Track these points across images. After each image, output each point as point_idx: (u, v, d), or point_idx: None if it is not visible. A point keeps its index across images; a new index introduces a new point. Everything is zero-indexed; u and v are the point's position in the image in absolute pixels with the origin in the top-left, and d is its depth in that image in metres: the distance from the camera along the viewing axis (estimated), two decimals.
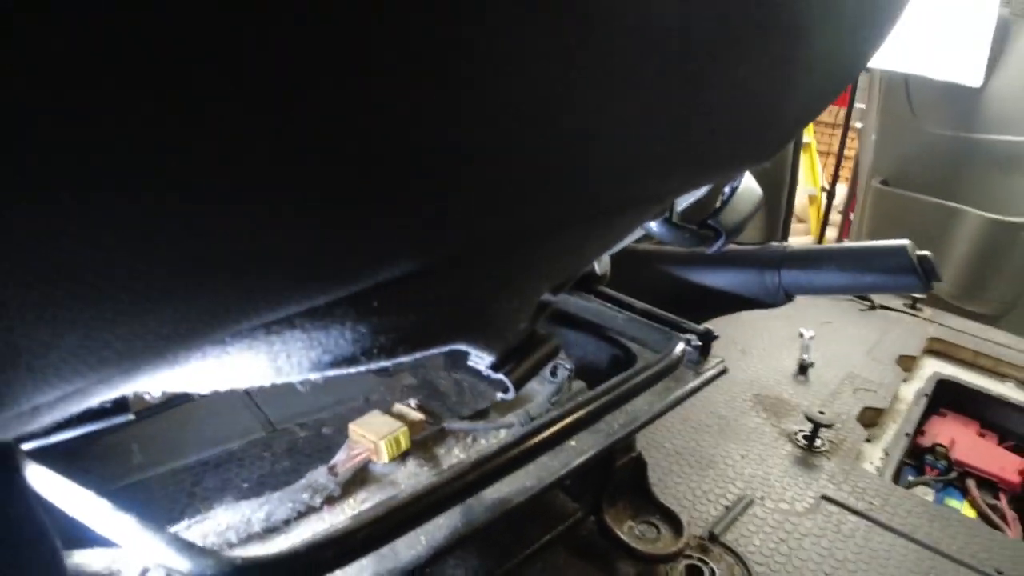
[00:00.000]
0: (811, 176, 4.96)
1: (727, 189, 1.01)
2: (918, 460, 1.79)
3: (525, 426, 0.90)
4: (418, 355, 0.54)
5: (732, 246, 1.90)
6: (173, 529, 0.78)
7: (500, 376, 0.65)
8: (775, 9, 0.56)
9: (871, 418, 1.79)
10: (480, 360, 0.64)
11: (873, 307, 2.39)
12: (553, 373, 1.10)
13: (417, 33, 0.32)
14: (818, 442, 1.64)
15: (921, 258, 1.13)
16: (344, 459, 0.89)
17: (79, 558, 0.72)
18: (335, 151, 0.35)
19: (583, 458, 0.90)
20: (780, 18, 0.58)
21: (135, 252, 0.32)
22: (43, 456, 1.11)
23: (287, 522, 0.81)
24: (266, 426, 1.69)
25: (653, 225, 0.91)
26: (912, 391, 1.94)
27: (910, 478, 1.73)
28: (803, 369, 1.98)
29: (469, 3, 0.33)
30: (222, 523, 0.79)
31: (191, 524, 0.79)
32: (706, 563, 1.26)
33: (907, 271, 1.12)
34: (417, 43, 0.32)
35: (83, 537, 0.72)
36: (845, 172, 4.91)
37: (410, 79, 0.35)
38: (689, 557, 1.27)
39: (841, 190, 4.39)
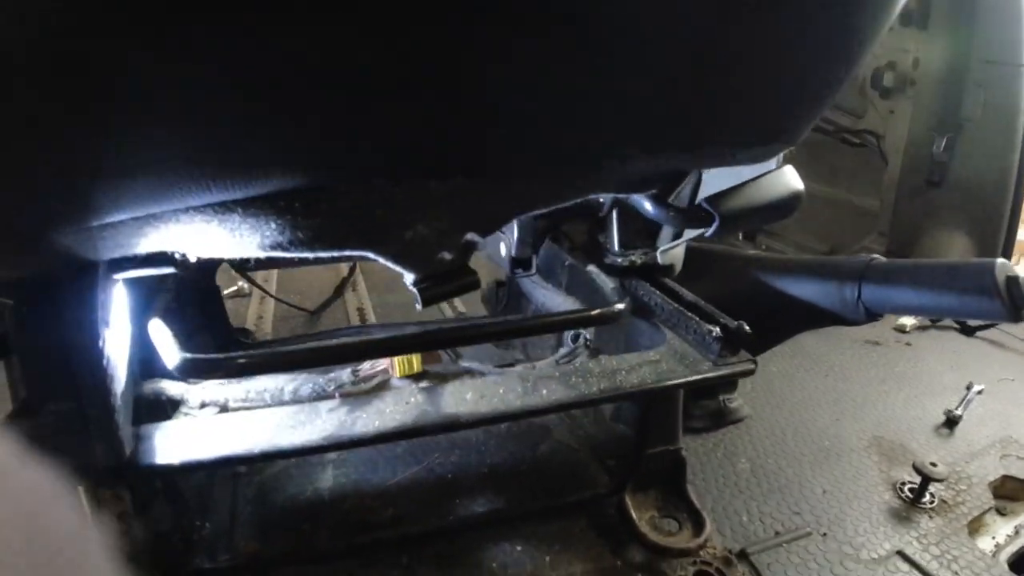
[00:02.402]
0: None
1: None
2: None
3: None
4: (335, 253, 0.71)
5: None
6: (227, 380, 1.05)
7: (413, 290, 0.79)
8: None
9: (1015, 491, 1.50)
10: (406, 276, 0.79)
11: None
12: (575, 339, 1.18)
13: None
14: (926, 498, 1.44)
15: (1010, 280, 0.95)
16: (367, 366, 1.09)
17: (162, 384, 1.03)
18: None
19: (539, 406, 0.99)
20: None
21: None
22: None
23: (309, 399, 1.04)
24: None
25: (643, 201, 0.94)
26: None
27: None
28: (950, 422, 1.72)
29: None
30: (261, 386, 1.04)
31: (242, 380, 1.05)
32: (722, 574, 1.22)
33: (989, 294, 0.95)
34: None
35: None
36: None
37: None
38: (706, 564, 1.24)
39: None
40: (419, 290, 0.79)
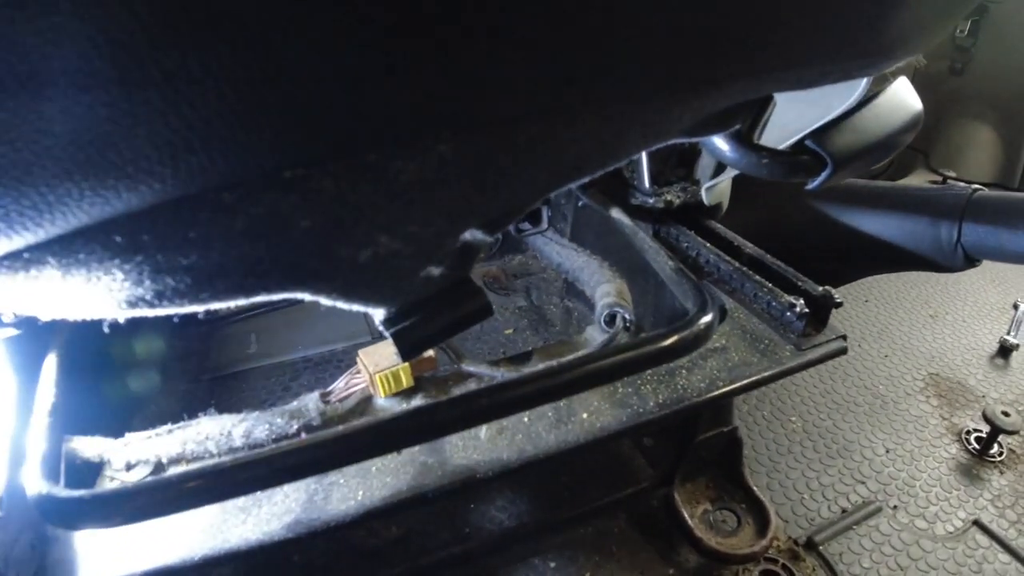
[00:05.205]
0: None
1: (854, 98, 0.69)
2: None
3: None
4: (242, 301, 0.40)
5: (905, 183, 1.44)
6: (157, 431, 0.76)
7: (387, 334, 0.49)
8: None
9: None
10: (374, 314, 0.48)
11: None
12: (610, 322, 0.91)
13: None
14: (994, 449, 1.28)
15: None
16: (341, 388, 0.82)
17: (76, 443, 0.74)
18: None
19: (580, 441, 0.73)
20: None
21: None
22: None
23: (266, 442, 0.76)
24: (374, 331, 1.70)
25: (719, 142, 0.63)
26: None
27: None
28: (1004, 351, 1.55)
29: None
30: (202, 433, 0.76)
31: (173, 429, 0.77)
32: (791, 574, 1.03)
33: None
34: None
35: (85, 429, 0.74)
36: None
37: None
38: (772, 562, 1.05)
39: None
40: (394, 335, 0.49)
